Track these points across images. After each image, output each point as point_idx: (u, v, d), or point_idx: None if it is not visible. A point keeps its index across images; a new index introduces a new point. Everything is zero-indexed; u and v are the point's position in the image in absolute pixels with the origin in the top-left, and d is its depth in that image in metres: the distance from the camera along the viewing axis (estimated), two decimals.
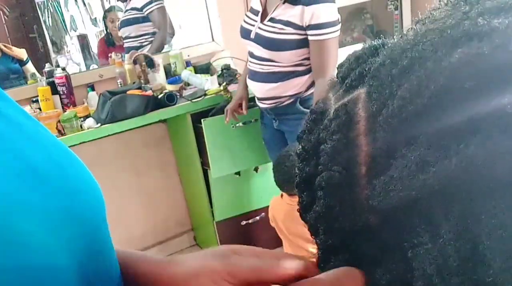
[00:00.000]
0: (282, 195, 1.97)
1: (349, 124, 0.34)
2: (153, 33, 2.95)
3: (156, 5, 2.91)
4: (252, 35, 2.04)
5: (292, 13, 1.91)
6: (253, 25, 2.05)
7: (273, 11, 1.98)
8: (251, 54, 2.10)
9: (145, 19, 2.92)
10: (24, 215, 0.34)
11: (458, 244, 0.27)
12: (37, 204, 0.36)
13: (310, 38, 1.92)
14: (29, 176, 0.37)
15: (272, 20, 1.98)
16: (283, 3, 1.93)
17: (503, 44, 0.26)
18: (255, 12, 2.07)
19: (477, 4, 0.29)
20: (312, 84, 2.04)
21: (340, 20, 1.95)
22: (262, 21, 2.02)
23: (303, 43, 1.95)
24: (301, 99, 2.05)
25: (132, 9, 2.93)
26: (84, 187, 0.42)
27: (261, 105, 2.16)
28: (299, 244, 1.90)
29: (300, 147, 0.38)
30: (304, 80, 2.03)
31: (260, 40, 2.01)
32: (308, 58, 1.99)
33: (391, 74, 0.32)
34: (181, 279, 0.43)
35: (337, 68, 0.38)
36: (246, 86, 2.28)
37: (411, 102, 0.29)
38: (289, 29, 1.93)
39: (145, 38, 2.93)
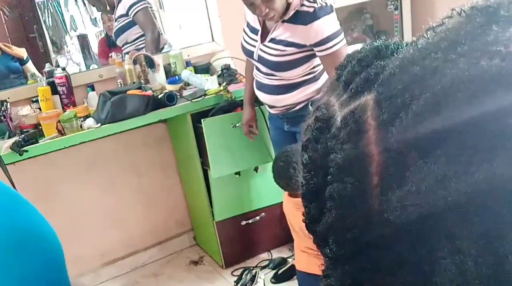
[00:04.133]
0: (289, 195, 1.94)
1: (359, 134, 0.33)
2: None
3: (140, 5, 2.87)
4: (255, 57, 2.02)
5: (293, 33, 1.87)
6: (254, 46, 2.02)
7: (273, 31, 1.94)
8: (257, 68, 2.07)
9: (133, 23, 2.91)
10: None
11: (480, 259, 0.27)
12: None
13: (319, 54, 1.88)
14: None
15: (273, 41, 1.94)
16: (282, 22, 1.89)
17: None
18: (254, 31, 2.03)
19: (494, 16, 0.29)
20: (323, 86, 2.01)
21: (340, 22, 1.94)
22: (262, 41, 1.98)
23: (307, 58, 1.92)
24: (312, 102, 2.01)
25: (120, 16, 2.92)
26: (36, 234, 0.42)
27: (272, 111, 2.15)
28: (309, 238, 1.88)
29: (307, 156, 0.37)
30: (316, 87, 2.00)
31: (264, 62, 1.99)
32: (315, 66, 1.97)
33: (403, 83, 0.31)
34: None
35: (338, 70, 0.37)
36: (252, 105, 2.27)
37: (427, 116, 0.29)
38: (291, 50, 1.89)
39: (141, 41, 2.93)
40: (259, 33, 2.00)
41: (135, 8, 2.86)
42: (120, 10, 2.90)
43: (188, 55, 2.82)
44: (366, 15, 3.24)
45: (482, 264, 0.26)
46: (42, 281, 0.41)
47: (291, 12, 1.86)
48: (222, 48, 2.87)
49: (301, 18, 1.84)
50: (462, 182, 0.27)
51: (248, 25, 2.07)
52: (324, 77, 2.01)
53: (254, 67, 2.10)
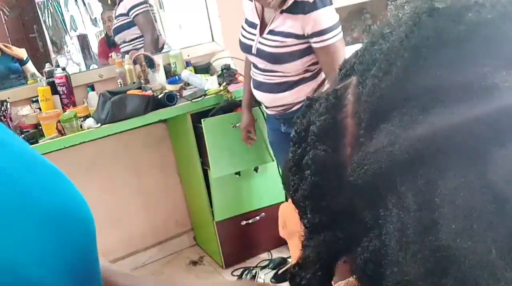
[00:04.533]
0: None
1: (337, 107, 0.36)
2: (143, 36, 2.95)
3: (141, 8, 2.88)
4: (254, 51, 1.99)
5: (292, 23, 1.86)
6: (253, 40, 2.00)
7: (272, 23, 1.93)
8: (255, 66, 2.06)
9: (132, 24, 2.91)
10: (22, 250, 0.35)
11: (419, 213, 0.28)
12: (33, 238, 0.37)
13: (314, 45, 1.87)
14: (27, 210, 0.37)
15: (271, 32, 1.93)
16: (281, 13, 1.88)
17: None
18: (253, 25, 2.02)
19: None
20: (320, 87, 2.00)
21: (339, 20, 1.94)
22: (261, 34, 1.97)
23: (307, 51, 1.90)
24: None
25: (120, 15, 2.92)
26: (74, 210, 0.43)
27: (269, 112, 2.13)
28: None
29: (293, 131, 0.40)
30: (313, 86, 1.98)
31: (262, 55, 1.97)
32: (314, 63, 1.95)
33: (373, 57, 0.34)
34: None
35: (341, 63, 0.40)
36: (250, 110, 2.26)
37: (381, 79, 0.32)
38: (290, 41, 1.88)
39: (139, 41, 2.93)
40: (258, 27, 1.98)
41: (136, 11, 2.87)
42: (121, 9, 2.91)
43: (188, 55, 2.82)
44: (366, 15, 3.24)
45: (421, 217, 0.28)
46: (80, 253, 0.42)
47: (290, 1, 1.85)
48: (222, 48, 2.87)
49: (300, 7, 1.84)
50: (406, 137, 0.29)
51: (247, 21, 2.07)
52: (322, 76, 2.01)
53: (252, 65, 2.09)
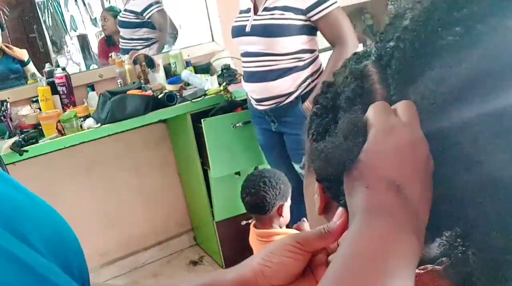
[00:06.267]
0: (253, 225, 1.82)
1: (364, 77, 0.41)
2: (147, 39, 2.95)
3: (156, 7, 2.91)
4: (248, 29, 1.99)
5: None
6: (247, 20, 2.01)
7: (266, 1, 1.95)
8: (246, 53, 2.05)
9: (141, 24, 2.92)
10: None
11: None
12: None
13: (315, 18, 1.90)
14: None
15: (266, 9, 1.95)
16: None
17: None
18: (246, 11, 2.04)
19: None
20: (311, 77, 2.00)
21: None
22: (255, 13, 1.99)
23: (303, 29, 1.92)
24: (302, 97, 2.00)
25: (130, 11, 2.93)
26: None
27: (260, 107, 2.10)
28: None
29: (317, 105, 0.44)
30: (304, 75, 1.98)
31: (257, 31, 1.97)
32: (308, 51, 1.96)
33: (392, 35, 0.39)
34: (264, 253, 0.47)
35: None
36: None
37: (418, 32, 0.37)
38: (289, 14, 1.90)
39: (140, 43, 2.93)
40: (252, 9, 2.01)
41: (153, 9, 2.91)
42: (133, 5, 2.92)
43: (188, 55, 2.82)
44: (366, 15, 3.24)
45: None
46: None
47: None
48: (222, 48, 2.87)
49: None
50: (457, 74, 0.34)
51: (241, 12, 2.09)
52: (314, 67, 2.00)
53: (243, 54, 2.08)
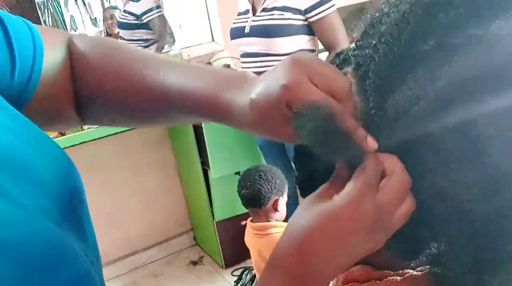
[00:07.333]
0: (250, 220, 1.85)
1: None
2: (146, 40, 2.95)
3: (156, 13, 2.90)
4: (247, 29, 2.00)
5: None
6: (246, 21, 2.01)
7: (264, 2, 1.96)
8: (245, 54, 2.05)
9: (140, 26, 2.92)
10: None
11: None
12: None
13: (312, 19, 1.91)
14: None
15: (265, 10, 1.95)
16: None
17: None
18: (245, 12, 2.05)
19: None
20: None
21: None
22: (254, 14, 1.99)
23: (303, 29, 1.93)
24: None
25: (129, 13, 2.93)
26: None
27: None
28: None
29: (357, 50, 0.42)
30: None
31: (256, 31, 1.97)
32: (307, 51, 1.96)
33: (375, 33, 0.39)
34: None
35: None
36: None
37: (393, 44, 0.37)
38: (288, 14, 1.91)
39: (139, 44, 2.93)
40: (250, 10, 2.01)
41: (153, 14, 2.89)
42: (132, 6, 2.92)
43: (188, 55, 2.82)
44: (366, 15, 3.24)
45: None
46: None
47: None
48: (222, 48, 2.87)
49: None
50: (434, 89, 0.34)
51: (239, 14, 2.09)
52: None
53: (242, 55, 2.08)
